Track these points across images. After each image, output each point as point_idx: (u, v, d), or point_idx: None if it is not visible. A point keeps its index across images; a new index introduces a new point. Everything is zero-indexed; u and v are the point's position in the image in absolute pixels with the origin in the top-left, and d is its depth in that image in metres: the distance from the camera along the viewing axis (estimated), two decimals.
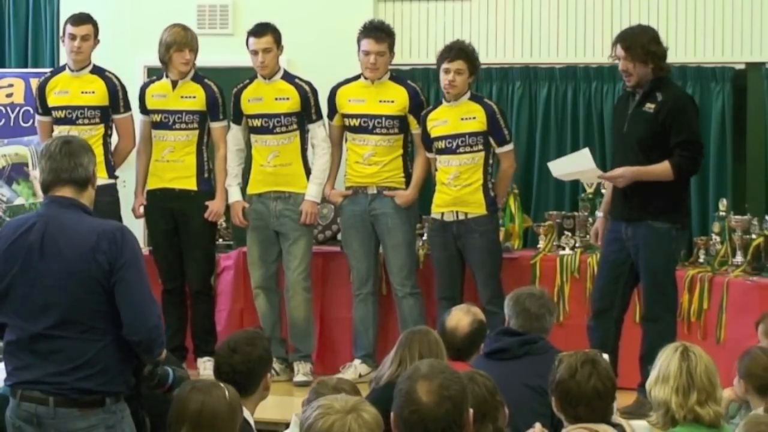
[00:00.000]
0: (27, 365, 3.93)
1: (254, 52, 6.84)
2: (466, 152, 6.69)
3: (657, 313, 6.08)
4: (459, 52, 6.67)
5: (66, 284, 3.88)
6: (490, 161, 6.76)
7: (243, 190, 7.02)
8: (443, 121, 6.76)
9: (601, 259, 6.44)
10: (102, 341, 3.89)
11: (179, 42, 6.84)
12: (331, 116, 6.99)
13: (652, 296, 6.12)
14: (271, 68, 6.87)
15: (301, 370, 6.83)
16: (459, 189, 6.69)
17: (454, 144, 6.71)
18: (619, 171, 6.09)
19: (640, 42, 6.06)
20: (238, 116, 7.01)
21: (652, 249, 6.05)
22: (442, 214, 6.77)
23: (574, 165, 6.44)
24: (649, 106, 6.06)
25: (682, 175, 6.05)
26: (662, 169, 5.99)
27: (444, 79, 6.69)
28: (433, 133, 6.78)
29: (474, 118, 6.71)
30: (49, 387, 3.88)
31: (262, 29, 6.84)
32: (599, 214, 6.66)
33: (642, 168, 6.02)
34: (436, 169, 6.83)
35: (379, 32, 6.83)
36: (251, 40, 6.84)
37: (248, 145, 7.05)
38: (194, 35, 6.95)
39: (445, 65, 6.67)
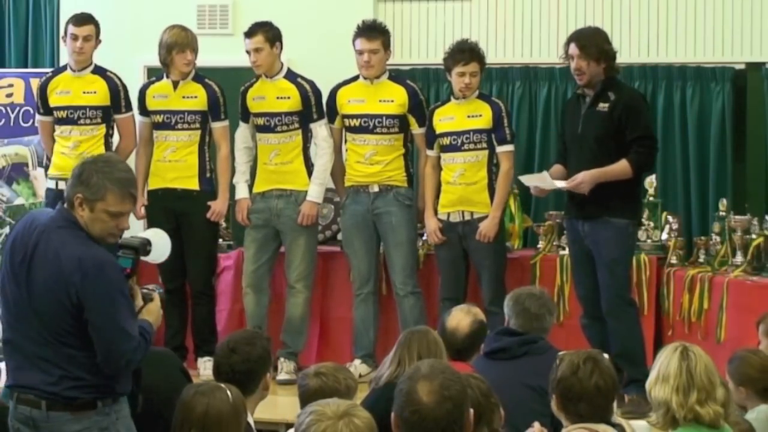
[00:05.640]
0: (20, 366, 3.94)
1: (247, 52, 6.87)
2: (470, 149, 6.70)
3: (619, 308, 6.16)
4: (472, 54, 6.68)
5: (46, 302, 3.85)
6: (495, 161, 6.76)
7: (250, 188, 7.02)
8: (450, 117, 6.77)
9: (571, 259, 6.55)
10: (91, 358, 3.85)
11: (180, 43, 6.84)
12: (332, 119, 6.98)
13: (611, 291, 6.18)
14: (266, 67, 6.87)
15: (285, 368, 6.82)
16: (464, 187, 6.70)
17: (459, 141, 6.72)
18: (579, 177, 6.14)
19: (594, 41, 6.20)
20: (245, 114, 7.02)
21: (611, 245, 6.13)
22: (449, 214, 6.77)
23: (539, 182, 6.46)
24: (603, 106, 6.17)
25: (640, 170, 6.17)
26: (621, 167, 6.09)
27: (460, 81, 6.67)
28: (439, 129, 6.79)
29: (480, 115, 6.72)
30: (40, 393, 3.88)
31: (252, 29, 6.87)
32: None
33: (601, 170, 6.11)
34: (435, 168, 6.84)
35: (370, 30, 6.84)
36: (245, 40, 6.87)
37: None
38: (194, 35, 6.96)
39: (459, 69, 6.65)
